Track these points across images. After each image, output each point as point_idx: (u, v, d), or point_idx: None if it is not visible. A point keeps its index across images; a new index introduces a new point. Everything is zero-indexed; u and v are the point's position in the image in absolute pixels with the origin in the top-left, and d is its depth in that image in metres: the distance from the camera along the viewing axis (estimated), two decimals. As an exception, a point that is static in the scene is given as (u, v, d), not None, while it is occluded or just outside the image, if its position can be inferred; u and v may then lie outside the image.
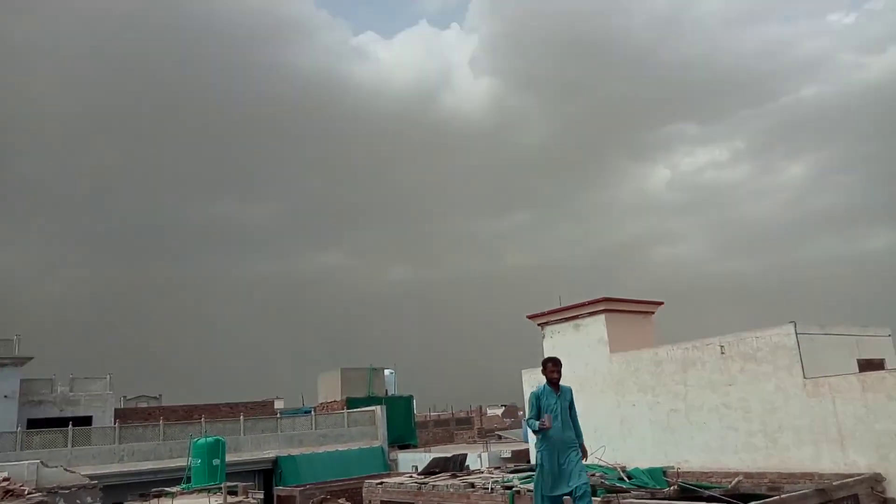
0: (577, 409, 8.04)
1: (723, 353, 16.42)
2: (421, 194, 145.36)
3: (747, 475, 14.91)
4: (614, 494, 12.56)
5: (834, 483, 12.67)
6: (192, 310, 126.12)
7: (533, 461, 21.23)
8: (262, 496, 20.94)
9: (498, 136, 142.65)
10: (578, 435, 7.78)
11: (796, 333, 15.26)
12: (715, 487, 13.67)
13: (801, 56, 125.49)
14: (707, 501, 11.36)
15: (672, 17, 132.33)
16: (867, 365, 16.23)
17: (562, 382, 8.38)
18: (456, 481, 17.06)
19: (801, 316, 15.86)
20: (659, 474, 15.87)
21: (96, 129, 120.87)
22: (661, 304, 21.16)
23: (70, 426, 26.40)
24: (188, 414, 33.47)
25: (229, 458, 24.17)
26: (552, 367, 7.87)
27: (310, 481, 24.77)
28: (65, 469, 19.12)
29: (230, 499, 16.51)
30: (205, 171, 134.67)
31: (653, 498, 12.39)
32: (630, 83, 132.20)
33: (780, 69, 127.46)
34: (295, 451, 28.83)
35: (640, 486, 14.67)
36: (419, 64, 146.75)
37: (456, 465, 20.02)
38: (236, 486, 18.41)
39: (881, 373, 14.38)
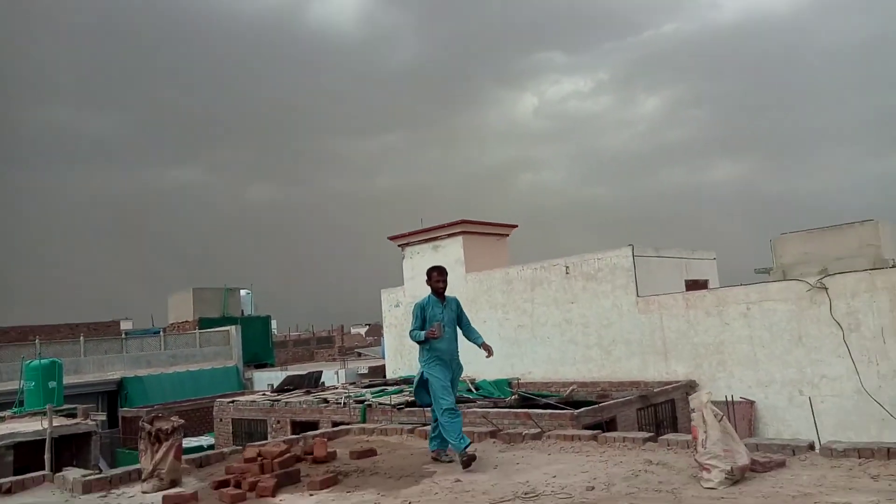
0: (463, 316, 7.16)
1: (567, 272, 17.36)
2: (286, 110, 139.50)
3: (582, 384, 16.12)
4: (461, 405, 13.14)
5: (655, 390, 14.00)
6: (27, 225, 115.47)
7: (402, 373, 21.85)
8: (104, 418, 20.08)
9: (369, 53, 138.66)
10: (478, 336, 7.05)
11: (633, 255, 16.38)
12: (551, 396, 14.67)
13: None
14: (542, 408, 12.17)
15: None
16: (693, 285, 17.81)
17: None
18: (309, 397, 17.17)
19: (644, 240, 17.03)
20: (504, 385, 16.82)
21: None
22: (515, 226, 21.89)
23: None
24: (22, 336, 31.04)
25: (70, 380, 22.89)
26: (437, 277, 6.95)
27: (158, 402, 24.00)
28: None
29: (66, 421, 15.68)
30: (37, 74, 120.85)
31: (495, 406, 13.09)
32: (503, 6, 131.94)
33: (644, 4, 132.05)
34: (142, 373, 27.73)
35: (485, 397, 15.49)
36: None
37: (311, 382, 20.12)
38: (75, 409, 17.49)
39: (702, 291, 15.85)
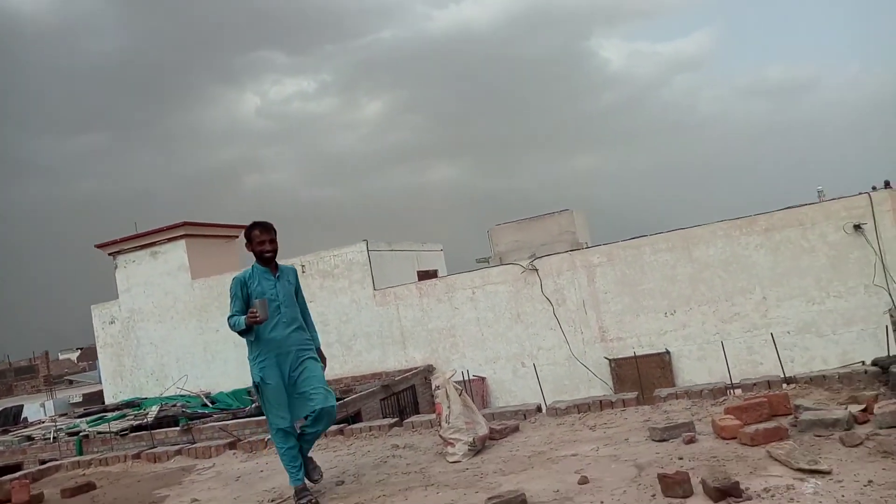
0: (301, 294, 5.09)
1: (304, 271, 17.06)
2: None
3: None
4: (194, 421, 12.19)
5: (396, 378, 14.38)
6: None
7: (124, 396, 19.48)
8: None
9: (64, 42, 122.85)
10: (312, 335, 4.98)
11: (368, 250, 16.65)
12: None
13: (381, 1, 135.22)
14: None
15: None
16: (424, 275, 18.68)
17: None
18: (8, 437, 14.63)
19: (374, 236, 17.36)
20: (242, 394, 15.97)
21: None
22: (243, 227, 20.94)
23: None
24: None
25: None
26: (261, 237, 4.79)
27: None
28: None
29: None
30: None
31: (234, 418, 12.36)
32: (217, 1, 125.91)
33: (362, 9, 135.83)
34: None
35: (223, 409, 14.56)
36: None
37: (9, 420, 17.23)
38: None
39: (433, 280, 16.68)
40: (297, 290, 5.01)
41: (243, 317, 4.52)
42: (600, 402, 5.55)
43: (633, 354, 13.62)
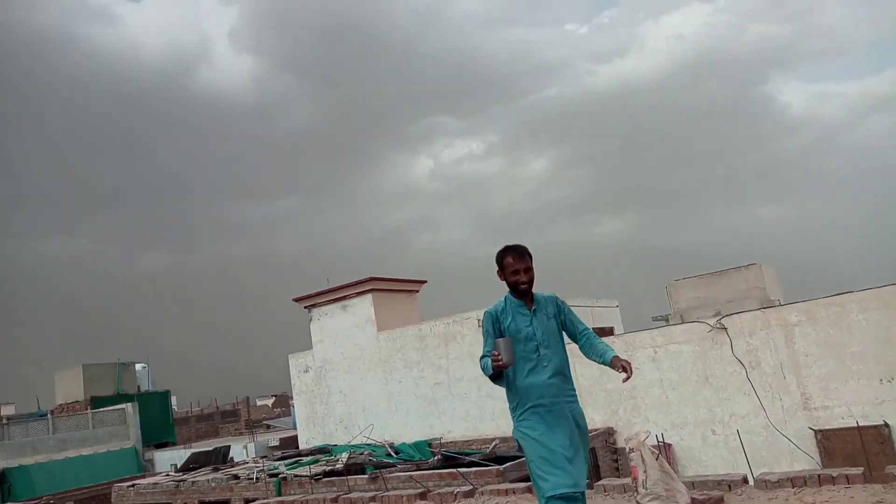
0: (574, 321, 4.34)
1: (480, 325, 17.39)
2: (177, 176, 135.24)
3: (503, 439, 15.99)
4: (381, 470, 12.72)
5: (575, 438, 14.09)
6: None
7: (316, 442, 20.91)
8: (-17, 516, 18.10)
9: (262, 118, 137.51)
10: (605, 349, 4.15)
11: (544, 306, 16.67)
12: (475, 453, 14.47)
13: (543, 60, 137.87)
14: (467, 467, 11.94)
15: (431, 11, 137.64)
16: (600, 332, 18.28)
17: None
18: (218, 475, 16.13)
19: (545, 291, 17.36)
20: (424, 446, 16.46)
21: None
22: (424, 282, 21.90)
23: None
24: None
25: (-60, 476, 20.56)
26: (515, 265, 4.15)
27: (48, 492, 21.88)
28: None
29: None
30: None
31: (418, 469, 12.74)
32: (393, 74, 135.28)
33: (526, 70, 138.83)
34: (28, 461, 25.28)
35: (406, 460, 15.07)
36: (172, 32, 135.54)
37: (219, 459, 18.97)
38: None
39: (611, 338, 16.27)
40: (567, 321, 4.25)
41: (490, 358, 3.88)
42: (818, 476, 5.09)
43: (844, 425, 12.29)
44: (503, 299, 4.21)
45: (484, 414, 17.08)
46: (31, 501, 19.29)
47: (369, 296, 20.06)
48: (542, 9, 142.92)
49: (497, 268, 4.24)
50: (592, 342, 4.25)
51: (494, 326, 4.12)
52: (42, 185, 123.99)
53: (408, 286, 21.46)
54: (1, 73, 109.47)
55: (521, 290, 4.13)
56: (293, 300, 22.07)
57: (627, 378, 3.99)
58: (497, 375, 3.98)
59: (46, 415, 30.18)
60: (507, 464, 11.45)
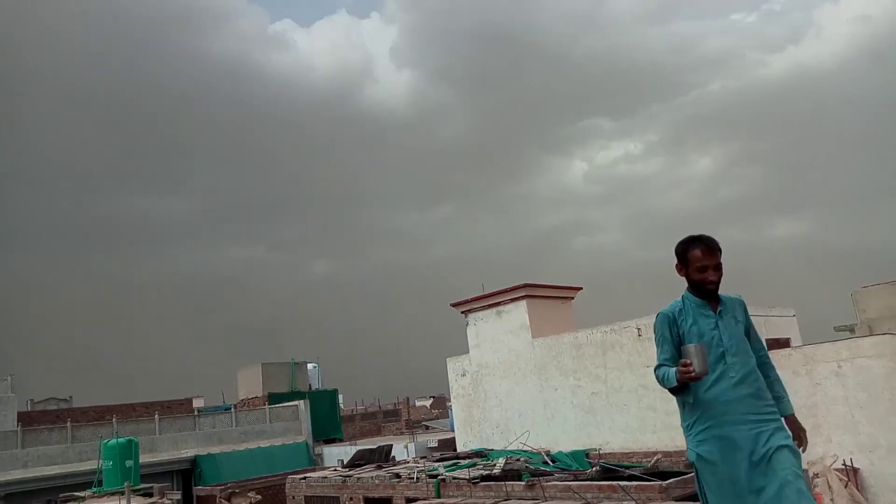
0: (755, 337, 3.73)
1: (640, 335, 16.80)
2: (344, 187, 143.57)
3: (666, 454, 15.31)
4: (538, 478, 12.65)
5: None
6: (105, 308, 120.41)
7: (473, 445, 21.32)
8: (179, 496, 20.17)
9: (419, 129, 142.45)
10: (778, 394, 3.60)
11: (710, 315, 15.76)
12: (635, 466, 13.98)
13: (707, 53, 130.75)
14: (627, 480, 11.55)
15: (585, 13, 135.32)
16: (774, 343, 16.96)
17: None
18: (381, 472, 16.85)
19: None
20: (581, 456, 16.16)
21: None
22: (579, 289, 21.53)
23: (-34, 432, 24.70)
24: (100, 415, 31.83)
25: (145, 458, 23.20)
26: (703, 260, 3.56)
27: (231, 480, 24.00)
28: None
29: (143, 500, 15.76)
30: (113, 162, 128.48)
31: (575, 479, 12.53)
32: (546, 77, 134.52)
33: (688, 65, 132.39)
34: (215, 450, 27.89)
35: (563, 469, 14.88)
36: (339, 54, 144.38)
37: (382, 457, 19.82)
38: (151, 487, 17.64)
39: (787, 350, 15.02)
40: (749, 331, 3.61)
41: (674, 369, 3.27)
42: None
43: None
44: (680, 299, 3.58)
45: (645, 426, 16.44)
46: (217, 486, 21.23)
47: (524, 302, 20.05)
48: (703, 0, 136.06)
49: (677, 261, 3.59)
50: (769, 376, 3.65)
51: (672, 330, 3.50)
52: (225, 198, 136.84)
53: (563, 293, 21.20)
54: (187, 99, 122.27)
55: (708, 289, 3.51)
56: (450, 305, 22.59)
57: (801, 447, 3.51)
58: (681, 388, 3.36)
59: (230, 408, 33.16)
60: (671, 480, 10.95)
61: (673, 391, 3.46)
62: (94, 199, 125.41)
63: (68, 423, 26.62)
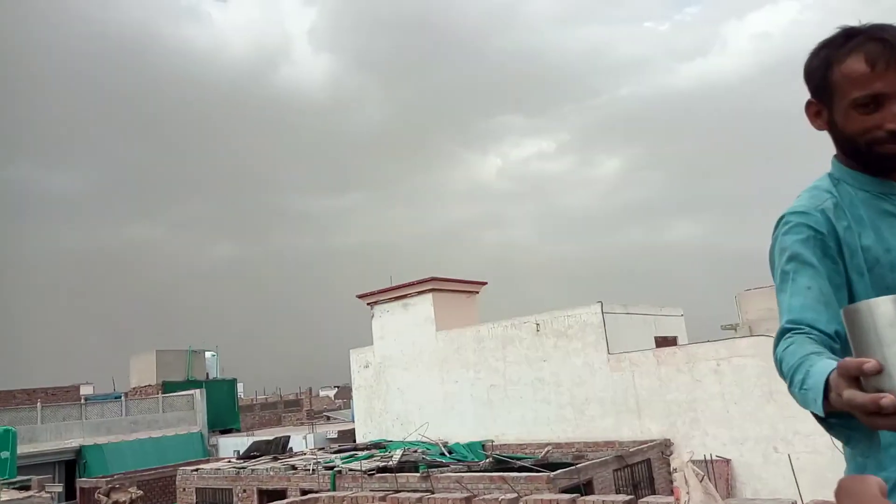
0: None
1: (538, 330, 17.32)
2: (251, 169, 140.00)
3: (557, 445, 15.89)
4: (433, 469, 12.84)
5: (630, 450, 13.85)
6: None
7: (372, 437, 21.26)
8: (61, 489, 19.19)
9: (334, 114, 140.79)
10: None
11: (602, 312, 16.45)
12: (527, 458, 14.42)
13: (619, 58, 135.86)
14: (518, 471, 11.92)
15: (504, 11, 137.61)
16: (663, 342, 17.90)
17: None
18: (277, 464, 16.62)
19: (609, 297, 17.15)
20: (478, 448, 16.51)
21: None
22: (484, 283, 21.93)
23: None
24: (-25, 403, 29.79)
25: (24, 449, 21.95)
26: (875, 75, 1.29)
27: (119, 471, 23.01)
28: None
29: (18, 494, 14.90)
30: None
31: (469, 471, 12.80)
32: (464, 72, 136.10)
33: (600, 68, 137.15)
34: (102, 440, 26.63)
35: (459, 461, 15.16)
36: (256, 30, 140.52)
37: (278, 448, 19.54)
38: (29, 480, 16.69)
39: (673, 348, 15.92)
40: None
41: (827, 371, 1.08)
42: None
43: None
44: (825, 179, 1.52)
45: (539, 418, 16.99)
46: (102, 479, 20.31)
47: (430, 295, 20.24)
48: (619, 6, 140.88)
49: (811, 91, 1.48)
50: None
51: (821, 248, 1.39)
52: (122, 174, 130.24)
53: (468, 287, 21.55)
54: (92, 70, 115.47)
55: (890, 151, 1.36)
56: (356, 296, 22.49)
57: None
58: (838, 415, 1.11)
59: (121, 397, 31.74)
60: (558, 471, 11.37)
61: (825, 422, 1.25)
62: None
63: (-63, 411, 24.74)
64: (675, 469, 4.83)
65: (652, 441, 14.55)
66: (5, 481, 15.42)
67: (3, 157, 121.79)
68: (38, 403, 27.39)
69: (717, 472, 13.22)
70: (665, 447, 14.46)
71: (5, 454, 17.26)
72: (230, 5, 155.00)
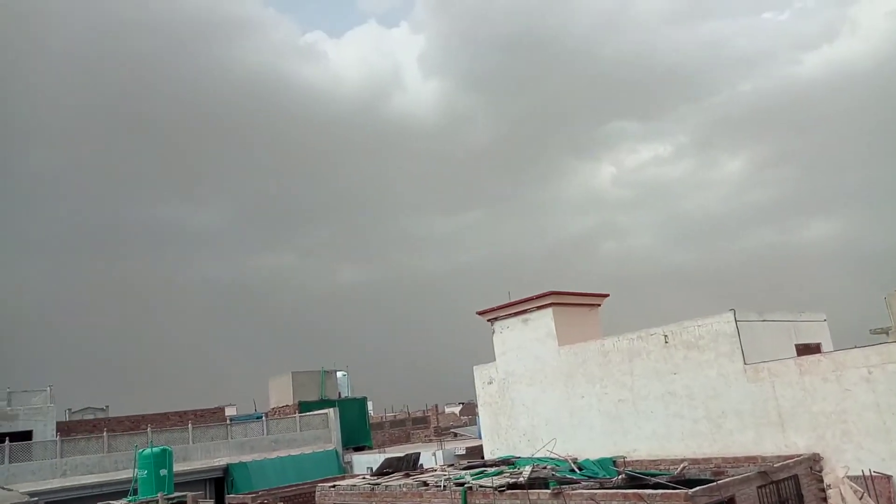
0: None
1: (666, 342, 16.74)
2: (372, 194, 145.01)
3: (693, 461, 15.23)
4: (565, 486, 12.67)
5: (775, 465, 13.02)
6: (138, 316, 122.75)
7: (501, 453, 21.31)
8: (212, 505, 20.52)
9: (447, 136, 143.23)
10: None
11: (736, 321, 15.66)
12: (661, 474, 13.92)
13: (737, 52, 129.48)
14: (654, 488, 11.52)
15: (613, 15, 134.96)
16: (804, 349, 16.77)
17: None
18: (409, 480, 16.96)
19: (741, 304, 16.29)
20: (608, 464, 16.14)
21: (33, 129, 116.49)
22: (606, 295, 21.46)
23: (7, 441, 25.40)
24: (135, 425, 32.58)
25: (179, 467, 23.66)
26: None
27: (262, 488, 24.36)
28: (1, 487, 18.34)
29: (177, 509, 16.10)
30: (147, 172, 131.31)
31: (601, 488, 12.52)
32: (574, 81, 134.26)
33: (718, 65, 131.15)
34: (247, 458, 28.34)
35: (590, 477, 14.86)
36: (369, 63, 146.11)
37: (409, 465, 19.93)
38: (185, 496, 17.98)
39: (817, 356, 14.86)
40: None
41: None
42: None
43: None
44: None
45: (671, 433, 16.36)
46: (249, 495, 21.56)
47: (550, 310, 20.06)
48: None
49: None
50: None
51: None
52: (258, 206, 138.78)
53: (589, 300, 21.16)
54: (221, 111, 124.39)
55: None
56: (476, 313, 22.67)
57: None
58: None
59: (262, 417, 33.64)
60: (697, 488, 10.90)
61: None
62: (127, 208, 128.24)
63: (105, 433, 27.26)
64: (829, 485, 4.55)
65: (799, 455, 13.61)
66: (166, 497, 16.70)
67: (156, 197, 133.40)
68: (189, 424, 29.56)
69: (878, 489, 12.16)
70: (814, 462, 13.49)
71: (164, 472, 18.63)
72: (343, 42, 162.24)
